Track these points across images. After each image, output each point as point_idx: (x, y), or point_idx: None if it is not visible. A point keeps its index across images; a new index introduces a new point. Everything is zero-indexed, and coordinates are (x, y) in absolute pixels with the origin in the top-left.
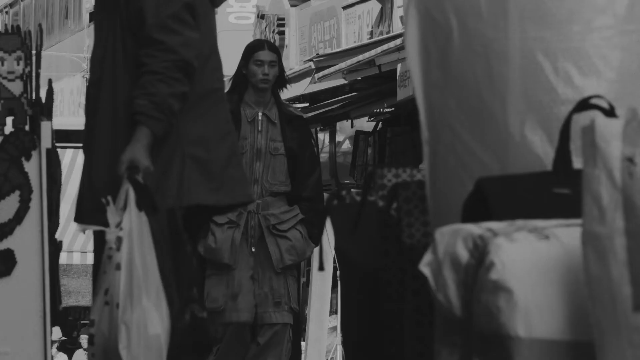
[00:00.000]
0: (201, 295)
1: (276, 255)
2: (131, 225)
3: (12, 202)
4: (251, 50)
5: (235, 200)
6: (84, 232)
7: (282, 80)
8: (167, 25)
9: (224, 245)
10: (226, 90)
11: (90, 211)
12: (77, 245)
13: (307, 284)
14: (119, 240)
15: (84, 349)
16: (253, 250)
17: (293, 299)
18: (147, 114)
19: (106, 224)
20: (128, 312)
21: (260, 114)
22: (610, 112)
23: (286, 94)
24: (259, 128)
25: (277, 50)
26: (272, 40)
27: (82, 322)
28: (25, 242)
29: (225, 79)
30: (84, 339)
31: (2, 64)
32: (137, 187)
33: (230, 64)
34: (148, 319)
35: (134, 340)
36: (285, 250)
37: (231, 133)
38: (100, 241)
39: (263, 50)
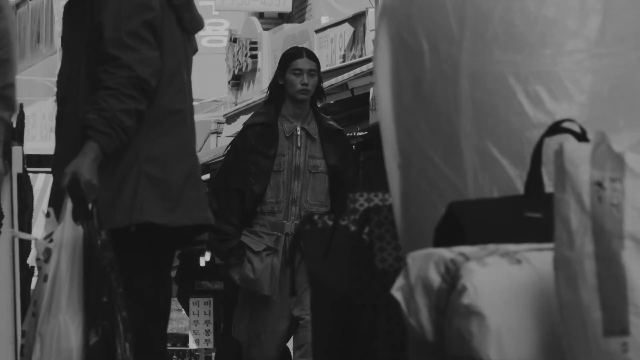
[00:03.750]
0: (112, 309)
1: None
2: (62, 237)
3: None
4: (288, 58)
5: (191, 222)
6: (15, 238)
7: (320, 91)
8: (123, 41)
9: (263, 276)
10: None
11: None
12: None
13: None
14: (48, 252)
15: None
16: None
17: None
18: (95, 128)
19: None
20: (45, 324)
21: (299, 128)
22: (581, 136)
23: None
24: (298, 144)
25: (316, 59)
26: (244, 64)
27: None
28: None
29: (195, 102)
30: None
31: None
32: (74, 199)
33: (201, 87)
34: (62, 332)
35: (46, 353)
36: None
37: (192, 155)
38: None
39: (301, 58)
